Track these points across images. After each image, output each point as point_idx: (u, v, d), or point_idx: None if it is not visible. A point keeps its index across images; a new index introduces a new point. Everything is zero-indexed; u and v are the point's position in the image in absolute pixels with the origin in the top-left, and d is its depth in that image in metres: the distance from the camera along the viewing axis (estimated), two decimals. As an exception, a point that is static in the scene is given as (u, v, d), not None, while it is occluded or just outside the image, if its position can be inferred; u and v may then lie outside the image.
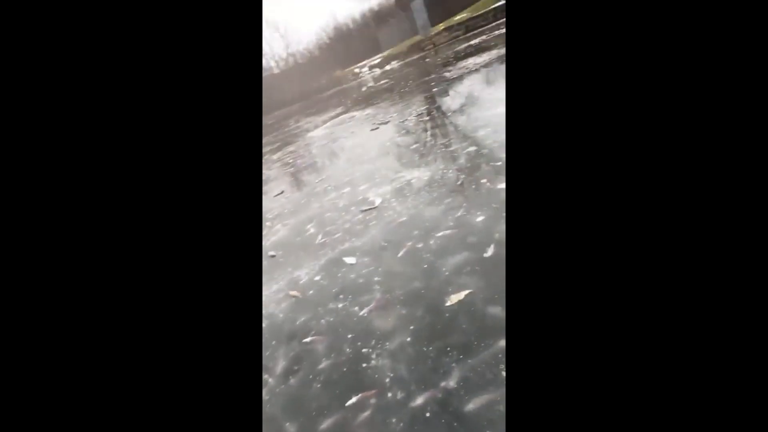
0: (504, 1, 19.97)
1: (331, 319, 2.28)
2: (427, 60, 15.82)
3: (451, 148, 4.30)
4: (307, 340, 2.17)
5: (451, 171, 3.68)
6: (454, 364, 1.64)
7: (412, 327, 1.93)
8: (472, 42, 15.14)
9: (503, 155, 3.53)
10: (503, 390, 1.45)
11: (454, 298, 1.99)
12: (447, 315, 1.92)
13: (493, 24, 18.94)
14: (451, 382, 1.57)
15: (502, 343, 1.65)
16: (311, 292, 2.65)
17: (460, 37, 19.45)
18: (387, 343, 1.89)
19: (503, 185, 3.00)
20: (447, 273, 2.24)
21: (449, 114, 5.91)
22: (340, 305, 2.37)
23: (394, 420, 1.50)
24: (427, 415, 1.47)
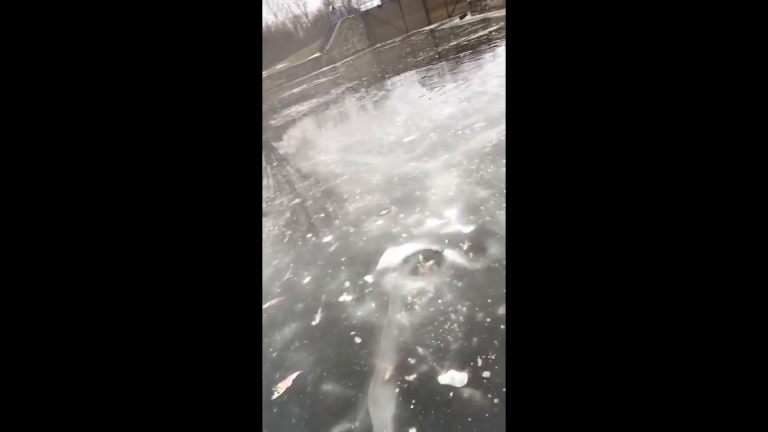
0: (319, 54, 21.18)
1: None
2: (253, 107, 15.36)
3: (277, 202, 4.06)
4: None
5: (277, 228, 3.44)
6: (283, 479, 1.36)
7: None
8: (294, 90, 15.42)
9: (327, 205, 3.47)
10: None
11: (281, 387, 1.72)
12: (275, 410, 1.64)
13: (312, 74, 19.80)
14: (283, 503, 1.29)
15: (336, 429, 1.46)
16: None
17: (284, 85, 19.68)
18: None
19: (329, 238, 2.90)
20: (275, 354, 1.96)
21: (274, 164, 5.69)
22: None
23: None
24: None
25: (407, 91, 7.07)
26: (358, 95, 8.57)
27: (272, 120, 9.92)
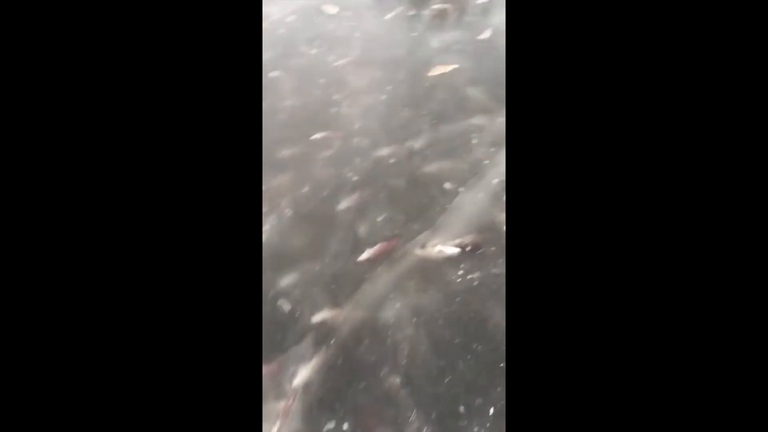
0: None
1: (302, 61, 1.94)
2: None
3: None
4: (272, 75, 1.86)
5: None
6: (425, 127, 1.51)
7: (389, 87, 1.70)
8: None
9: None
10: (467, 157, 1.38)
11: (439, 69, 1.74)
12: (427, 85, 1.70)
13: None
14: (418, 143, 1.47)
15: (476, 120, 1.52)
16: (282, 30, 2.19)
17: None
18: (360, 97, 1.68)
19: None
20: (436, 46, 1.91)
21: None
22: (313, 51, 2.00)
23: (357, 160, 1.41)
24: (391, 161, 1.40)
25: None
26: None
27: None
